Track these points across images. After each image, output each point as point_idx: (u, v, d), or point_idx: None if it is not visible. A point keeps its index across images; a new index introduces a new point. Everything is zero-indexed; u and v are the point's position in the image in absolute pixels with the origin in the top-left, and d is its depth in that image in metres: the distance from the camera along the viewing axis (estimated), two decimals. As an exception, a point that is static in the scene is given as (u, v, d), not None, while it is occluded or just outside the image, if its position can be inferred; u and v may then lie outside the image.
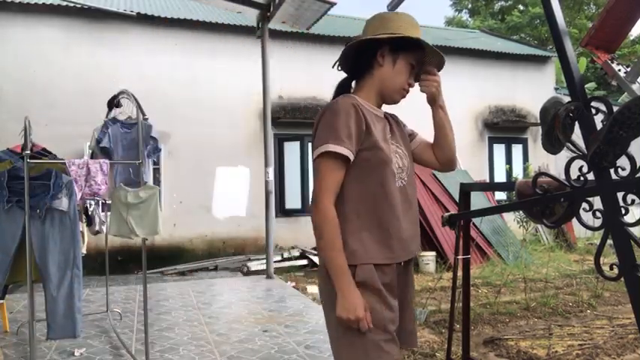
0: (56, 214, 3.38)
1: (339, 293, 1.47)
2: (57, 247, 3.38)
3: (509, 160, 11.06)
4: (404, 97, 1.70)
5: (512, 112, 11.16)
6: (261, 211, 7.28)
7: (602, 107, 1.60)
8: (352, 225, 1.54)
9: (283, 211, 9.20)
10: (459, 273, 2.75)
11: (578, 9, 23.85)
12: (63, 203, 3.37)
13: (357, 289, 1.48)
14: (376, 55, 1.62)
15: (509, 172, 10.55)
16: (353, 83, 1.75)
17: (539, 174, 1.82)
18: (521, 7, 24.85)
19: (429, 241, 7.86)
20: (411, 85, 1.68)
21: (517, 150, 11.27)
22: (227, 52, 8.84)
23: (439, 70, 1.70)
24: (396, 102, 1.70)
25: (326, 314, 1.61)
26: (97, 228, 4.57)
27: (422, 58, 1.68)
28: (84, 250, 4.43)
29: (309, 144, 9.54)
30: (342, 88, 1.74)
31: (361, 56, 1.66)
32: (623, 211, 1.58)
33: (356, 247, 1.53)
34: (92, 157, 4.39)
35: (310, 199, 1.56)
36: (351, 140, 1.52)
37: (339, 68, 1.73)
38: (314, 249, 8.71)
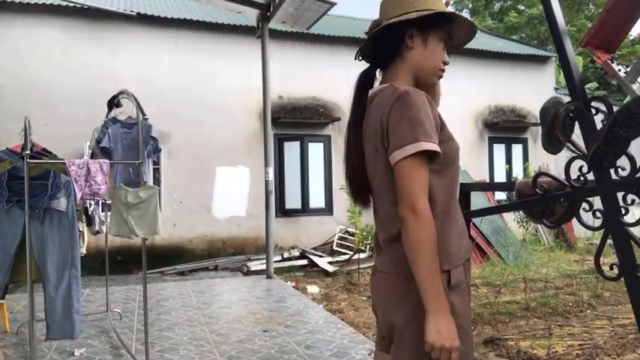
0: (55, 215, 3.38)
1: (435, 316, 1.28)
2: (55, 248, 3.38)
3: (509, 160, 11.05)
4: (441, 77, 1.56)
5: (512, 112, 11.16)
6: (261, 211, 7.27)
7: (602, 107, 1.60)
8: (444, 226, 1.42)
9: (283, 211, 9.20)
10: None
11: (578, 9, 23.85)
12: (61, 203, 3.38)
13: (451, 315, 1.32)
14: (404, 39, 1.48)
15: (509, 172, 10.55)
16: (377, 72, 1.59)
17: (539, 174, 1.81)
18: (521, 8, 24.86)
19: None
20: (446, 63, 1.53)
21: (517, 150, 11.27)
22: (227, 52, 8.84)
23: (472, 38, 1.60)
24: (433, 84, 1.57)
25: (402, 328, 1.41)
26: (96, 228, 4.57)
27: (451, 30, 1.55)
28: (84, 250, 4.43)
29: (309, 144, 9.52)
30: (367, 78, 1.57)
31: (385, 41, 1.51)
32: (623, 211, 1.58)
33: (451, 250, 1.42)
34: (92, 157, 4.39)
35: (400, 203, 1.34)
36: (435, 134, 1.37)
37: (360, 59, 1.58)
38: (314, 249, 8.71)
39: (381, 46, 1.52)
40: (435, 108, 1.43)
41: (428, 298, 1.30)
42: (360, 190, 1.57)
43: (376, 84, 1.58)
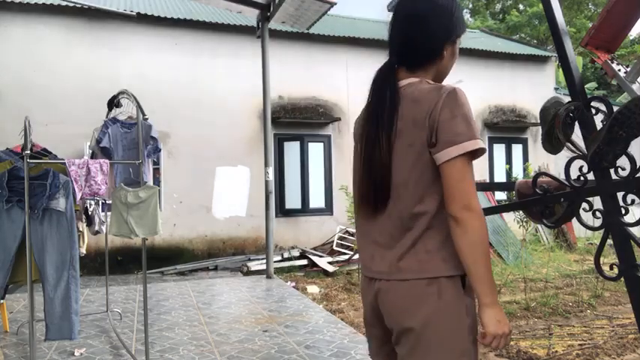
0: (54, 215, 3.38)
1: (492, 307, 1.36)
2: (54, 248, 3.38)
3: (509, 160, 11.05)
4: None
5: (512, 112, 11.15)
6: (261, 211, 7.27)
7: (602, 107, 1.60)
8: None
9: (283, 211, 9.20)
10: (459, 273, 2.74)
11: (578, 9, 23.86)
12: (60, 203, 3.37)
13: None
14: (442, 50, 1.50)
15: (509, 172, 10.55)
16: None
17: (539, 174, 1.81)
18: (521, 7, 24.86)
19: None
20: None
21: (517, 150, 11.27)
22: (227, 52, 8.84)
23: None
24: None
25: (419, 331, 1.40)
26: (96, 228, 4.57)
27: None
28: (83, 250, 4.43)
29: (309, 144, 9.50)
30: (388, 72, 1.52)
31: (424, 50, 1.50)
32: (623, 211, 1.58)
33: None
34: (92, 157, 4.39)
35: (452, 201, 1.34)
36: None
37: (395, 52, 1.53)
38: (314, 249, 8.71)
39: (417, 50, 1.50)
40: None
41: (485, 291, 1.36)
42: (382, 190, 1.45)
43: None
